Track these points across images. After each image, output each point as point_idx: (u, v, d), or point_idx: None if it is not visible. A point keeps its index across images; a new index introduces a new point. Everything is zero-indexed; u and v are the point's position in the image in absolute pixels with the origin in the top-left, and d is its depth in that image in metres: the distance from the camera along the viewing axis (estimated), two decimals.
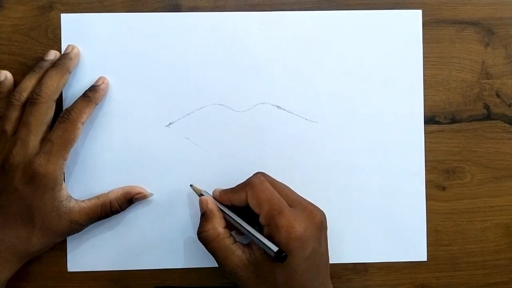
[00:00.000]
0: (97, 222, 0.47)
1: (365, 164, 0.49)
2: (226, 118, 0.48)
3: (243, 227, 0.43)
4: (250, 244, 0.43)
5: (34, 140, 0.44)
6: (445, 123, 0.50)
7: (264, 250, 0.41)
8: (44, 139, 0.44)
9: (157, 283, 0.48)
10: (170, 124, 0.48)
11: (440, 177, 0.49)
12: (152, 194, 0.48)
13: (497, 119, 0.50)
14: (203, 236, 0.43)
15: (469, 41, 0.50)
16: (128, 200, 0.47)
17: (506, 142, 0.50)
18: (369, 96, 0.49)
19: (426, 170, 0.49)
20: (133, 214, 0.48)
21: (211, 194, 0.46)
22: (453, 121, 0.50)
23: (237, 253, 0.42)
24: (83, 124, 0.45)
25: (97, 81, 0.47)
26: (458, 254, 0.50)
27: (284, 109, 0.48)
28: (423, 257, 0.49)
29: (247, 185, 0.43)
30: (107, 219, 0.47)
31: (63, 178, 0.45)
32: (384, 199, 0.49)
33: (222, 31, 0.48)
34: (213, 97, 0.48)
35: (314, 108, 0.49)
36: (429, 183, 0.49)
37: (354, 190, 0.49)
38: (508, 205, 0.50)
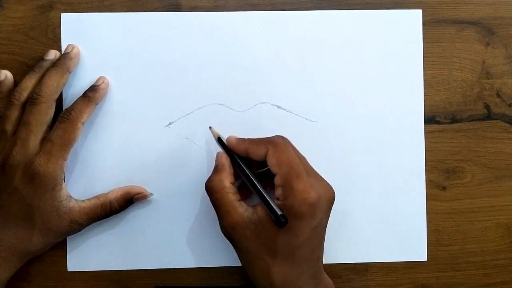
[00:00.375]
0: (97, 222, 0.47)
1: (365, 164, 0.49)
2: (226, 118, 0.48)
3: (252, 182, 0.42)
4: (255, 205, 0.42)
5: (34, 140, 0.44)
6: (446, 123, 0.49)
7: (269, 212, 0.41)
8: (44, 139, 0.44)
9: (157, 283, 0.48)
10: (170, 124, 0.48)
11: (440, 177, 0.49)
12: (152, 194, 0.48)
13: (497, 119, 0.50)
14: (209, 186, 0.43)
15: (469, 41, 0.50)
16: (128, 200, 0.47)
17: (506, 142, 0.50)
18: (369, 96, 0.49)
19: (426, 170, 0.49)
20: (133, 214, 0.48)
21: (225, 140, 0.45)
22: (454, 121, 0.50)
23: (239, 210, 0.42)
24: (83, 124, 0.45)
25: (97, 81, 0.47)
26: (458, 254, 0.50)
27: (284, 109, 0.48)
28: (423, 257, 0.49)
29: (270, 142, 0.43)
30: (107, 219, 0.47)
31: (63, 178, 0.45)
32: (384, 199, 0.49)
33: (222, 31, 0.48)
34: (213, 96, 0.48)
35: (314, 108, 0.48)
36: (429, 183, 0.49)
37: (354, 190, 0.49)
38: (508, 205, 0.50)
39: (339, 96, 0.49)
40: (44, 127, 0.45)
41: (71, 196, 0.46)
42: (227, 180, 0.43)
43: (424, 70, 0.49)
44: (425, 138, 0.49)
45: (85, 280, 0.48)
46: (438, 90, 0.49)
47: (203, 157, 0.48)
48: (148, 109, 0.48)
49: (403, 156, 0.49)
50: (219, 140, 0.45)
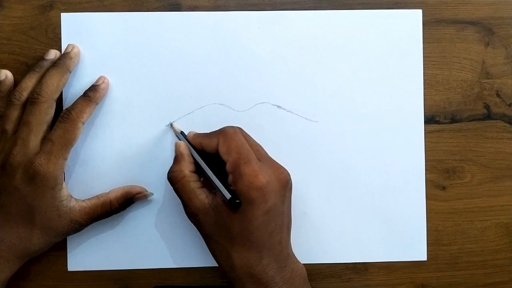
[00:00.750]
0: (97, 222, 0.47)
1: (365, 164, 0.49)
2: (226, 118, 0.48)
3: (206, 171, 0.44)
4: (216, 192, 0.43)
5: (34, 139, 0.44)
6: (445, 123, 0.50)
7: (222, 195, 0.42)
8: (45, 139, 0.44)
9: (157, 283, 0.48)
10: (170, 123, 0.48)
11: (440, 177, 0.49)
12: (152, 194, 0.48)
13: (497, 119, 0.50)
14: (170, 176, 0.44)
15: (469, 41, 0.50)
16: (128, 200, 0.47)
17: (506, 142, 0.50)
18: (369, 96, 0.49)
19: (426, 169, 0.49)
20: (134, 214, 0.48)
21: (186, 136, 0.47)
22: (453, 120, 0.50)
23: (200, 197, 0.43)
24: (83, 123, 0.45)
25: (97, 81, 0.47)
26: (458, 253, 0.50)
27: (284, 109, 0.48)
28: (423, 257, 0.49)
29: (220, 132, 0.44)
30: (108, 218, 0.47)
31: (63, 177, 0.45)
32: (384, 198, 0.49)
33: (223, 31, 0.48)
34: (213, 96, 0.48)
35: (314, 108, 0.49)
36: (429, 183, 0.49)
37: (354, 189, 0.49)
38: (508, 205, 0.50)
39: (339, 96, 0.49)
40: (44, 127, 0.45)
41: (71, 196, 0.46)
42: (186, 169, 0.44)
43: (424, 70, 0.49)
44: (425, 138, 0.49)
45: (85, 280, 0.48)
46: (438, 90, 0.49)
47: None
48: (149, 109, 0.48)
49: (403, 155, 0.49)
50: (182, 134, 0.46)
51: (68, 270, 0.48)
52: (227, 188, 0.42)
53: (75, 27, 0.48)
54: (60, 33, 0.48)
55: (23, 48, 0.48)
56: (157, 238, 0.48)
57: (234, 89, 0.48)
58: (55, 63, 0.46)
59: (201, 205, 0.43)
